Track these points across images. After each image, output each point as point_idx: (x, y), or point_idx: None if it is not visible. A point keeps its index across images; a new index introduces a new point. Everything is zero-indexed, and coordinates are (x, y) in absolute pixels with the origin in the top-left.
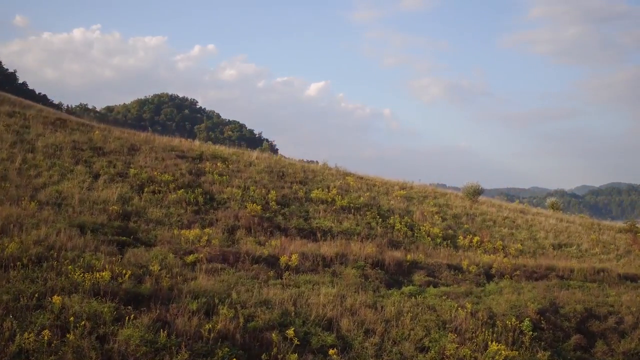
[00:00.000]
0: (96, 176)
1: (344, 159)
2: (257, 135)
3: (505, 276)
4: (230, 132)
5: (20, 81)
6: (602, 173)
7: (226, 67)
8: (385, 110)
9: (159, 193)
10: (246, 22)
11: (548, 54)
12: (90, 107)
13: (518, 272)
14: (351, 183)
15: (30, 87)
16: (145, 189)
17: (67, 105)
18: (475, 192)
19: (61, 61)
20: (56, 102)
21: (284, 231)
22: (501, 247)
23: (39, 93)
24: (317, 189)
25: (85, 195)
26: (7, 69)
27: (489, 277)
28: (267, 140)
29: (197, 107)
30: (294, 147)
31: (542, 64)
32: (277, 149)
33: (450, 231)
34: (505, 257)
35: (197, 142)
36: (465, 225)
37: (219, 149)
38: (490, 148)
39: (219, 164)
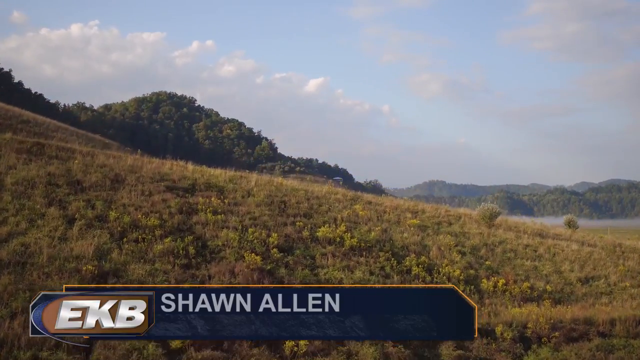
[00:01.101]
0: (71, 221)
1: (343, 156)
2: (256, 134)
3: (543, 339)
4: (229, 131)
5: (16, 80)
6: (601, 170)
7: (225, 63)
8: (384, 107)
9: (143, 242)
10: (245, 18)
11: (547, 51)
12: (87, 105)
13: (557, 334)
14: (360, 212)
15: (26, 86)
16: (127, 237)
17: (64, 104)
18: (492, 216)
19: (59, 58)
20: (53, 101)
21: None
22: (528, 289)
23: (35, 92)
24: (324, 224)
25: (55, 250)
26: (2, 68)
27: (525, 340)
28: (265, 138)
29: (196, 105)
30: (293, 144)
31: (541, 60)
32: (276, 148)
33: (471, 271)
34: (537, 306)
35: (190, 167)
36: (487, 262)
37: (214, 174)
38: (490, 144)
39: (213, 199)
